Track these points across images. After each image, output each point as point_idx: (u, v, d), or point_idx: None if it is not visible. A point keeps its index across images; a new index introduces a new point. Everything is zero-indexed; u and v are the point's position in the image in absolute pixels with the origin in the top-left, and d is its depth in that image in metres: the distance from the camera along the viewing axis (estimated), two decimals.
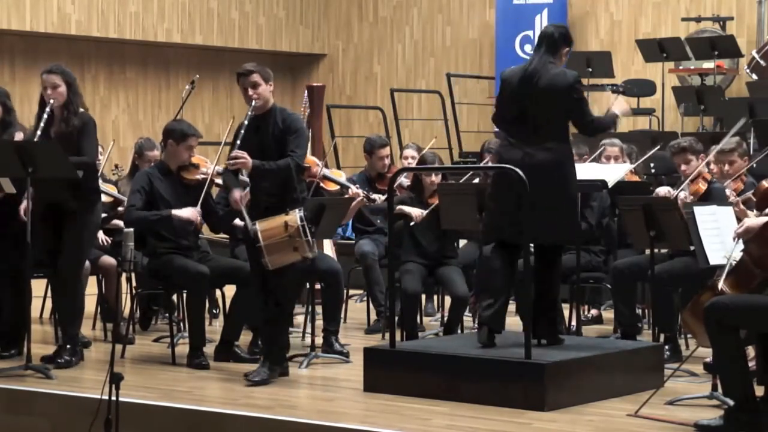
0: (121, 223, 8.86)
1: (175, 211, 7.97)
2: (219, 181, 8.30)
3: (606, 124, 7.48)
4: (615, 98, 7.77)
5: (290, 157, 7.34)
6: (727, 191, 8.12)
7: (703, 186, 8.20)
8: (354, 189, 9.52)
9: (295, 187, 7.40)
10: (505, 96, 7.33)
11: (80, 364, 7.90)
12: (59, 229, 7.84)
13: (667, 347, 7.93)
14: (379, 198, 9.53)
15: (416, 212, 8.85)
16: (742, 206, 6.65)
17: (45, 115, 7.74)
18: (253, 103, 7.37)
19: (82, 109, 7.86)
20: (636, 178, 9.46)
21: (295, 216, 7.23)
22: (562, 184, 7.11)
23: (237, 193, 7.38)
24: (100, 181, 9.44)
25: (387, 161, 10.18)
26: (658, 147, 9.79)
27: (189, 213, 7.98)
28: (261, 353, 7.63)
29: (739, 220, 6.76)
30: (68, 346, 7.88)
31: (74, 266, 7.89)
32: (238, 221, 8.79)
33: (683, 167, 8.36)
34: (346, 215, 9.33)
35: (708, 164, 8.36)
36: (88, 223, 7.89)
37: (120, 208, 9.00)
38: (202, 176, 8.18)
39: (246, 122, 7.37)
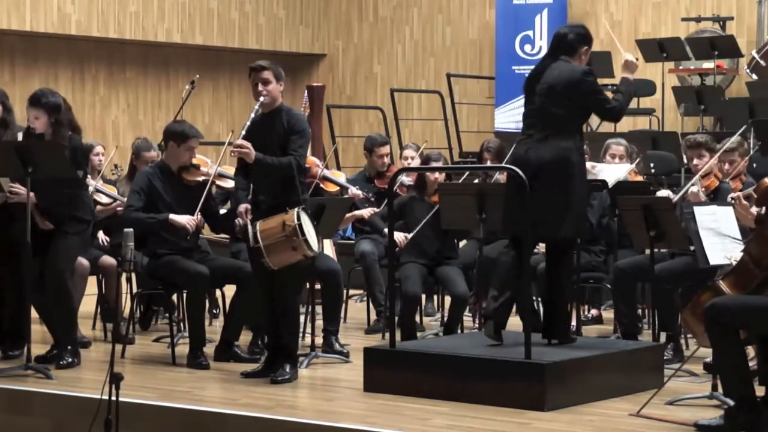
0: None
1: (173, 216, 7.96)
2: (219, 182, 8.29)
3: (626, 100, 7.36)
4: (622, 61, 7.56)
5: (292, 156, 7.34)
6: None
7: (715, 182, 8.20)
8: (354, 190, 9.54)
9: (296, 186, 7.38)
10: (524, 93, 7.39)
11: (80, 364, 7.89)
12: (46, 236, 7.80)
13: (669, 346, 7.93)
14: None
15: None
16: (744, 201, 6.63)
17: None
18: (262, 99, 7.37)
19: (70, 133, 7.77)
20: (638, 178, 9.46)
21: (293, 215, 7.20)
22: (564, 180, 7.07)
23: (243, 206, 7.35)
24: (101, 182, 9.51)
25: (387, 160, 10.19)
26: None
27: (185, 220, 7.95)
28: (268, 351, 7.62)
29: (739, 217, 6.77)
30: (69, 347, 7.87)
31: (66, 272, 7.80)
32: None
33: (695, 161, 8.35)
34: (342, 222, 9.37)
35: (720, 162, 8.34)
36: (75, 227, 7.83)
37: (119, 208, 8.99)
38: (203, 177, 8.16)
39: (253, 115, 7.35)
